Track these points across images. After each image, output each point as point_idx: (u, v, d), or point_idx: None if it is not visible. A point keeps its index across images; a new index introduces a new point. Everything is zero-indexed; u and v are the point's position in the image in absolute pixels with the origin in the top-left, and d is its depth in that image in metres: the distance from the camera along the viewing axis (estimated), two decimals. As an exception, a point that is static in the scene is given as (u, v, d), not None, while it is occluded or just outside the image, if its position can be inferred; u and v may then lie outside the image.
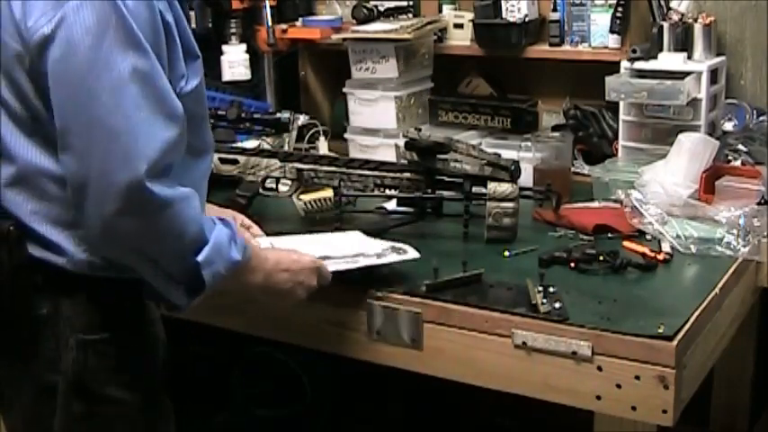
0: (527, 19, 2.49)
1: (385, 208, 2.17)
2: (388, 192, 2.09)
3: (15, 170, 1.41)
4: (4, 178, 1.42)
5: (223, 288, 1.48)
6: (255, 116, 2.45)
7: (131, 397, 1.49)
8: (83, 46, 1.30)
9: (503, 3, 2.50)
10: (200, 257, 1.40)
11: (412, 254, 1.77)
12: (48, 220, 1.42)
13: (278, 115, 2.48)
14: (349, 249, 1.80)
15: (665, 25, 2.30)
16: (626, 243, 1.93)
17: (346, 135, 2.68)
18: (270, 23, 2.69)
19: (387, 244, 1.84)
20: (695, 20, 2.32)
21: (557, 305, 1.63)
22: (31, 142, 1.40)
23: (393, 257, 1.76)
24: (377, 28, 2.61)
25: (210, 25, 2.75)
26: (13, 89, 1.39)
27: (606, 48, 2.41)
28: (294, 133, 2.60)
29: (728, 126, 2.38)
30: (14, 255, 1.41)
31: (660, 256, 1.85)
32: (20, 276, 1.41)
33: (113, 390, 1.47)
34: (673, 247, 1.89)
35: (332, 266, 1.70)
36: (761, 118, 2.36)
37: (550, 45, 2.51)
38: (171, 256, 1.41)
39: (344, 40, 2.61)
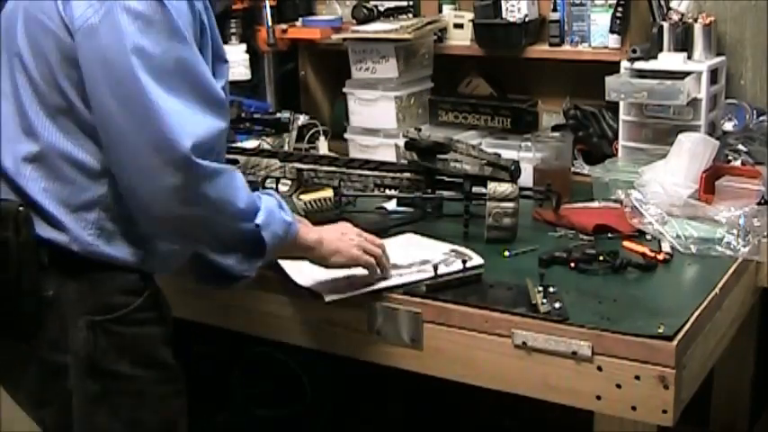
0: (527, 19, 2.49)
1: (385, 208, 2.17)
2: (388, 192, 2.09)
3: (36, 148, 1.47)
4: (24, 154, 1.47)
5: (281, 250, 1.58)
6: (255, 116, 2.46)
7: (144, 373, 1.53)
8: (130, 35, 1.37)
9: (503, 3, 2.50)
10: (257, 220, 1.50)
11: (477, 260, 1.78)
12: (58, 200, 1.46)
13: (278, 115, 2.48)
14: (413, 256, 1.81)
15: (665, 25, 2.30)
16: (626, 243, 1.93)
17: (346, 135, 2.68)
18: (270, 23, 2.70)
19: (446, 247, 1.85)
20: (695, 20, 2.32)
21: (557, 305, 1.63)
22: (55, 124, 1.46)
23: (459, 265, 1.76)
24: (377, 28, 2.61)
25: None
26: (46, 72, 1.45)
27: (606, 48, 2.42)
28: (294, 133, 2.60)
29: (728, 126, 2.38)
30: (22, 234, 1.44)
31: (660, 256, 1.85)
32: (26, 256, 1.45)
33: (126, 367, 1.51)
34: (673, 247, 1.89)
35: (406, 277, 1.73)
36: (761, 118, 2.36)
37: (550, 45, 2.51)
38: (230, 224, 1.48)
39: (344, 40, 2.61)
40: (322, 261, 1.68)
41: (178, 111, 1.40)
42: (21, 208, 1.45)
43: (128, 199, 1.46)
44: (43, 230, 1.46)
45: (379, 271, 1.73)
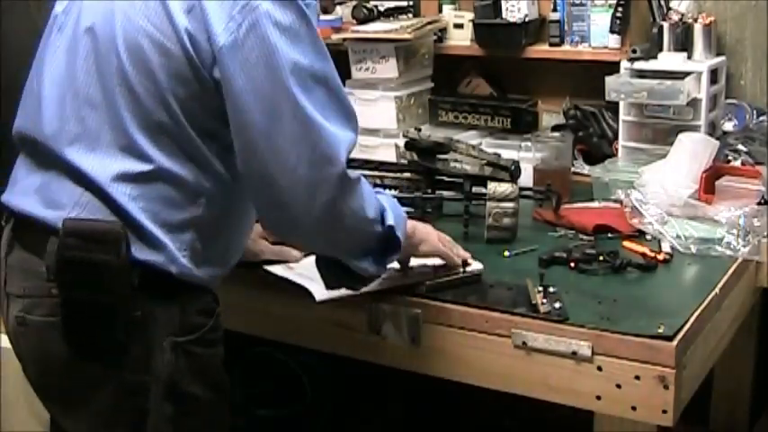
0: (527, 19, 2.49)
1: (385, 208, 2.17)
2: (388, 192, 2.09)
3: (137, 167, 1.41)
4: (122, 171, 1.41)
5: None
6: (256, 116, 2.45)
7: (212, 395, 1.51)
8: (281, 50, 1.35)
9: (503, 3, 2.50)
10: (389, 221, 1.53)
11: (476, 266, 1.78)
12: (157, 219, 1.42)
13: (278, 115, 2.48)
14: (412, 259, 1.81)
15: (665, 25, 2.30)
16: (626, 243, 1.93)
17: (346, 135, 2.67)
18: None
19: None
20: (695, 20, 2.32)
21: (557, 305, 1.63)
22: (158, 143, 1.41)
23: (458, 268, 1.76)
24: (377, 28, 2.61)
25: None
26: (152, 88, 1.39)
27: (606, 48, 2.42)
28: (294, 133, 2.59)
29: (728, 126, 2.38)
30: (121, 257, 1.38)
31: (660, 256, 1.85)
32: (123, 279, 1.40)
33: (198, 389, 1.49)
34: (673, 247, 1.89)
35: (400, 280, 1.73)
36: (761, 118, 2.36)
37: (550, 45, 2.51)
38: (368, 229, 1.51)
39: (344, 40, 2.61)
40: (412, 249, 1.70)
41: (332, 126, 1.40)
42: (121, 230, 1.39)
43: (274, 219, 1.46)
44: (139, 252, 1.41)
45: (459, 261, 1.76)
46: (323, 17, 2.83)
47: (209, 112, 1.41)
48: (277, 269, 1.81)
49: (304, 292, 1.74)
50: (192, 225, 1.45)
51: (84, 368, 1.45)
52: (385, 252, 1.57)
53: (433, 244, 1.72)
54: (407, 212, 2.08)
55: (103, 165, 1.41)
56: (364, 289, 1.71)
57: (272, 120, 1.37)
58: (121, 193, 1.41)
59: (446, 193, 2.06)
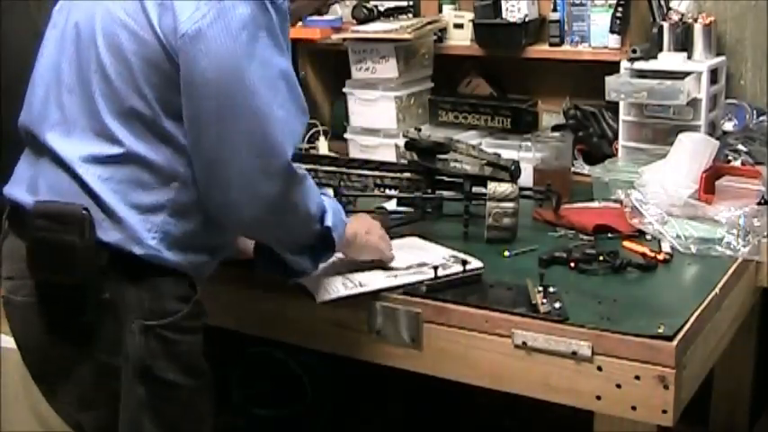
0: (527, 19, 2.49)
1: (385, 208, 2.16)
2: (388, 192, 2.09)
3: (110, 150, 1.46)
4: (95, 154, 1.47)
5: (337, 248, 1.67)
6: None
7: (188, 381, 1.54)
8: (241, 42, 1.41)
9: (503, 3, 2.50)
10: (327, 222, 1.59)
11: (476, 263, 1.78)
12: (127, 201, 1.47)
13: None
14: (412, 258, 1.82)
15: (665, 25, 2.30)
16: (626, 243, 1.93)
17: (346, 135, 2.68)
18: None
19: (447, 252, 1.85)
20: (695, 20, 2.32)
21: (557, 305, 1.63)
22: (131, 128, 1.46)
23: (458, 268, 1.76)
24: (377, 28, 2.61)
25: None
26: (126, 75, 1.45)
27: (606, 48, 2.42)
28: (294, 133, 2.59)
29: (728, 126, 2.38)
30: (86, 238, 1.44)
31: (660, 256, 1.85)
32: (88, 260, 1.45)
33: (173, 374, 1.52)
34: (673, 247, 1.89)
35: (400, 279, 1.73)
36: (761, 118, 2.36)
37: (550, 45, 2.51)
38: (307, 226, 1.57)
39: (344, 40, 2.61)
40: (355, 256, 1.75)
41: (283, 119, 1.45)
42: (84, 212, 1.44)
43: (215, 201, 1.48)
44: (104, 233, 1.46)
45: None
46: (323, 17, 2.83)
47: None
48: None
49: (304, 292, 1.74)
50: (164, 208, 1.48)
51: (59, 349, 1.52)
52: (320, 251, 1.63)
53: (376, 250, 1.77)
54: (407, 212, 2.11)
55: (77, 148, 1.47)
56: (364, 289, 1.72)
57: (225, 108, 1.42)
58: (92, 175, 1.46)
59: (446, 193, 2.06)
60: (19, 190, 1.54)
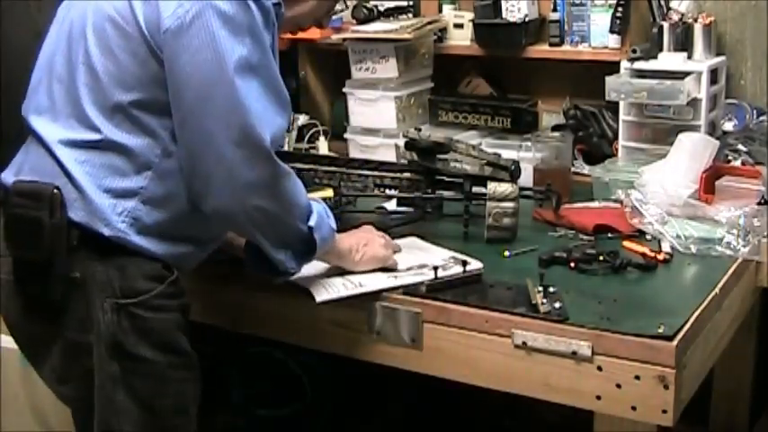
0: (527, 19, 2.49)
1: (385, 208, 2.17)
2: (388, 192, 2.09)
3: (88, 136, 1.52)
4: (74, 138, 1.53)
5: (323, 254, 1.68)
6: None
7: (163, 358, 1.57)
8: (221, 38, 1.46)
9: (503, 3, 2.50)
10: (311, 222, 1.61)
11: (476, 264, 1.78)
12: (100, 185, 1.52)
13: (278, 115, 2.47)
14: (412, 259, 1.82)
15: (665, 25, 2.30)
16: (626, 243, 1.93)
17: (346, 135, 2.68)
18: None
19: (446, 253, 1.85)
20: (695, 20, 2.32)
21: (557, 305, 1.63)
22: (111, 118, 1.52)
23: (458, 269, 1.76)
24: (377, 28, 2.61)
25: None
26: (112, 69, 1.51)
27: (606, 48, 2.42)
28: (294, 133, 2.60)
29: (728, 126, 2.38)
30: (55, 216, 1.50)
31: (660, 256, 1.85)
32: (58, 238, 1.51)
33: (146, 350, 1.55)
34: (673, 247, 1.89)
35: (400, 280, 1.74)
36: (761, 118, 2.36)
37: (550, 45, 2.51)
38: (291, 222, 1.59)
39: (344, 40, 2.61)
40: (351, 269, 1.76)
41: (261, 109, 1.49)
42: (55, 191, 1.51)
43: (197, 190, 1.52)
44: (75, 213, 1.52)
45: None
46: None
47: (167, 91, 1.51)
48: None
49: (304, 292, 1.74)
50: (136, 195, 1.53)
51: (35, 325, 1.59)
52: (303, 252, 1.64)
53: (374, 260, 1.77)
54: (407, 212, 2.11)
55: (59, 132, 1.55)
56: (364, 289, 1.72)
57: (203, 100, 1.48)
58: (69, 157, 1.53)
59: (446, 193, 2.05)
60: (9, 173, 1.61)
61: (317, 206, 1.65)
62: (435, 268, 1.73)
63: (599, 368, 1.55)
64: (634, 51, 2.30)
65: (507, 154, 2.14)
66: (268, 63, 1.53)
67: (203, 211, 1.54)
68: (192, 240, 1.62)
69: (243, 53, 1.47)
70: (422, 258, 1.83)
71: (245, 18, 1.48)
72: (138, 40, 1.49)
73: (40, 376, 1.69)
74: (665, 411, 1.52)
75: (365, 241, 1.78)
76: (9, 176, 1.60)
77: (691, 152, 2.11)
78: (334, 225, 1.68)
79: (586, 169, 2.33)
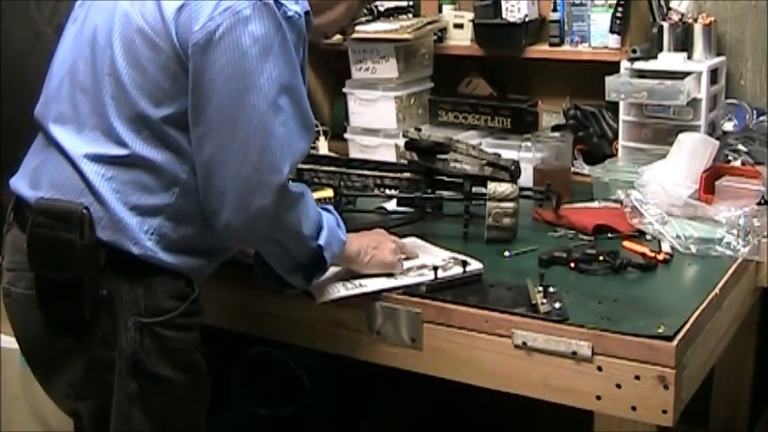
0: (527, 19, 2.49)
1: (385, 208, 2.17)
2: (388, 192, 2.09)
3: (116, 152, 1.49)
4: (101, 153, 1.49)
5: (331, 264, 1.66)
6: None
7: (181, 377, 1.56)
8: (250, 57, 1.43)
9: (503, 3, 2.50)
10: (321, 241, 1.59)
11: (476, 265, 1.78)
12: (127, 202, 1.49)
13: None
14: (412, 260, 1.82)
15: (665, 25, 2.30)
16: (626, 243, 1.93)
17: (346, 135, 2.68)
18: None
19: (446, 254, 1.85)
20: (695, 20, 2.32)
21: (557, 305, 1.63)
22: (138, 132, 1.49)
23: (458, 270, 1.76)
24: (377, 28, 2.61)
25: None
26: (140, 81, 1.47)
27: (606, 48, 2.41)
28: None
29: (728, 126, 2.38)
30: (85, 236, 1.47)
31: (660, 256, 1.85)
32: (88, 258, 1.48)
33: (166, 370, 1.54)
34: (673, 247, 1.89)
35: (400, 281, 1.74)
36: (761, 118, 2.36)
37: (550, 45, 2.51)
38: (299, 242, 1.57)
39: (344, 40, 2.61)
40: (360, 270, 1.75)
41: (283, 136, 1.46)
42: (84, 211, 1.47)
43: (211, 206, 1.49)
44: (103, 233, 1.49)
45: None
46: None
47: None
48: None
49: (304, 292, 1.74)
50: (162, 212, 1.51)
51: (56, 341, 1.55)
52: (313, 269, 1.63)
53: (382, 265, 1.75)
54: (407, 212, 2.11)
55: (84, 146, 1.50)
56: (364, 289, 1.72)
57: (226, 118, 1.44)
58: (95, 173, 1.49)
59: (446, 193, 2.06)
60: (23, 183, 1.57)
61: (328, 220, 1.63)
62: (435, 268, 1.73)
63: (599, 368, 1.55)
64: (634, 51, 2.30)
65: (507, 154, 2.14)
66: (297, 84, 1.50)
67: (215, 227, 1.52)
68: (209, 252, 1.61)
69: (273, 74, 1.44)
70: (422, 259, 1.83)
71: (277, 37, 1.44)
72: (169, 53, 1.45)
73: (46, 391, 1.66)
74: (665, 411, 1.52)
75: (375, 244, 1.76)
76: (23, 186, 1.56)
77: (691, 152, 2.11)
78: (344, 237, 1.66)
79: (586, 169, 2.33)
